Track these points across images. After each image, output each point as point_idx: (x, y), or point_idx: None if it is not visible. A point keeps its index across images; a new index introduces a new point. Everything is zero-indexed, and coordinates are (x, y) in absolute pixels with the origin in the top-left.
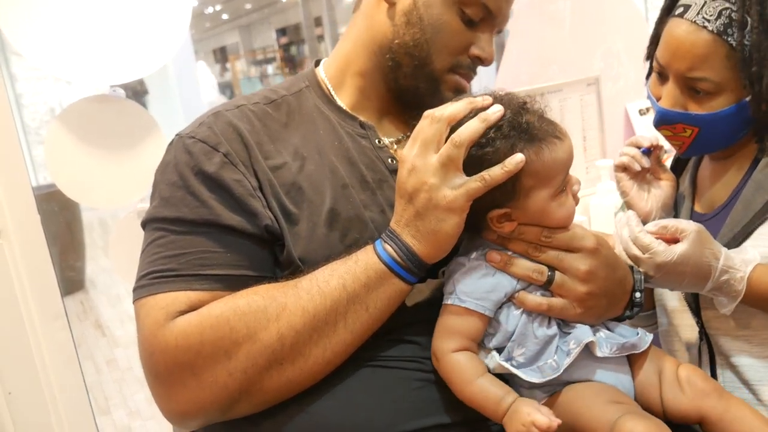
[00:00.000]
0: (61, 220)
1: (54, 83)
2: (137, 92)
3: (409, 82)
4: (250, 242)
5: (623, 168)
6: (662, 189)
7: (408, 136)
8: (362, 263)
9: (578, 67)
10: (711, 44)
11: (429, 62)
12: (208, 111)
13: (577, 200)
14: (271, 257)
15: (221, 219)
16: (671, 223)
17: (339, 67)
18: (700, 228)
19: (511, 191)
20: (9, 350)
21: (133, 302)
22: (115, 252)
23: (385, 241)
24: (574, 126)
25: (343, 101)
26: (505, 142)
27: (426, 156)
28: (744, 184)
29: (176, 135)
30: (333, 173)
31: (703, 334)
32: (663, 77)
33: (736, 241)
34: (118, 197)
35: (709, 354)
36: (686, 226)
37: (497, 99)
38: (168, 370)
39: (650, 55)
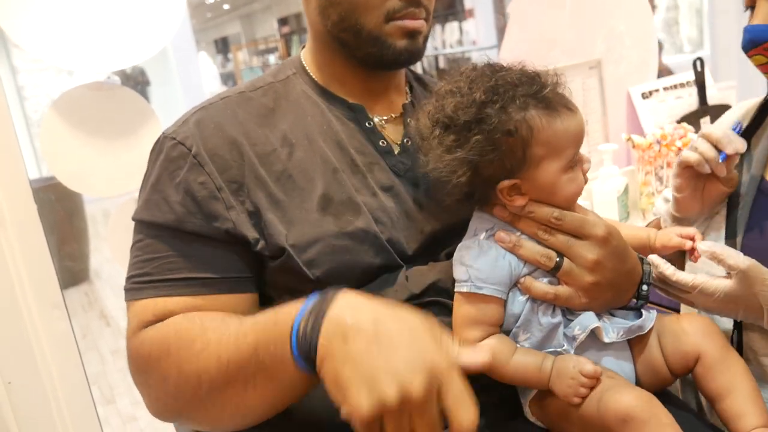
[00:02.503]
0: (60, 210)
1: (56, 75)
2: (139, 83)
3: (361, 53)
4: (211, 246)
5: (687, 165)
6: (718, 191)
7: (396, 117)
8: (279, 327)
9: (580, 49)
10: None
11: (361, 28)
12: (195, 106)
13: (586, 179)
14: (239, 257)
15: (183, 225)
16: (722, 253)
17: (311, 59)
18: (750, 266)
19: (522, 159)
20: (7, 340)
21: (125, 300)
22: (113, 240)
23: (305, 317)
24: None
25: (328, 85)
26: (516, 107)
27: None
28: None
29: (162, 134)
30: (323, 159)
31: (738, 324)
32: (753, 9)
33: None
34: (115, 186)
35: (737, 346)
36: (735, 262)
37: (506, 66)
38: (136, 375)
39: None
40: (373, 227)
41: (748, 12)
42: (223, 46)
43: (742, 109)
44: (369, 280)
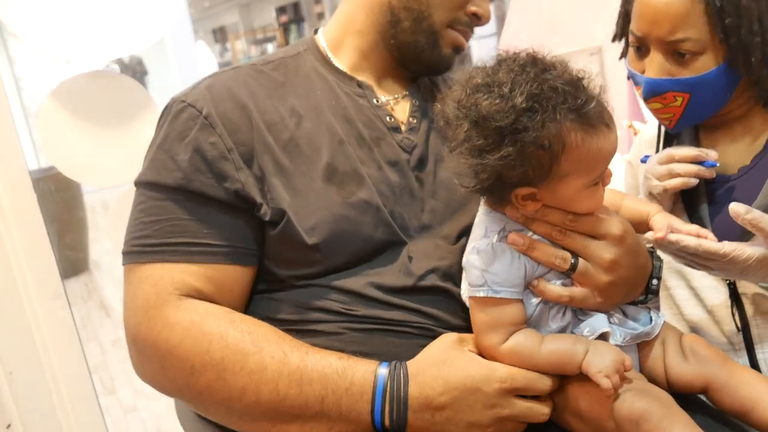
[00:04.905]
0: (59, 201)
1: (54, 64)
2: (136, 72)
3: (408, 37)
4: (218, 210)
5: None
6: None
7: (404, 96)
8: (353, 397)
9: (581, 36)
10: (688, 3)
11: (428, 16)
12: (206, 75)
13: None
14: (245, 225)
15: (191, 184)
16: (762, 220)
17: (339, 29)
18: None
19: (547, 172)
20: (9, 331)
21: (122, 264)
22: (113, 230)
23: (386, 400)
24: None
25: (341, 63)
26: (556, 121)
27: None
28: None
29: (171, 99)
30: (330, 130)
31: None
32: (642, 50)
33: None
34: (114, 175)
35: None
36: None
37: (550, 65)
38: (145, 347)
39: (623, 32)
40: (376, 199)
41: (632, 53)
42: (221, 36)
43: (642, 143)
44: (369, 254)
